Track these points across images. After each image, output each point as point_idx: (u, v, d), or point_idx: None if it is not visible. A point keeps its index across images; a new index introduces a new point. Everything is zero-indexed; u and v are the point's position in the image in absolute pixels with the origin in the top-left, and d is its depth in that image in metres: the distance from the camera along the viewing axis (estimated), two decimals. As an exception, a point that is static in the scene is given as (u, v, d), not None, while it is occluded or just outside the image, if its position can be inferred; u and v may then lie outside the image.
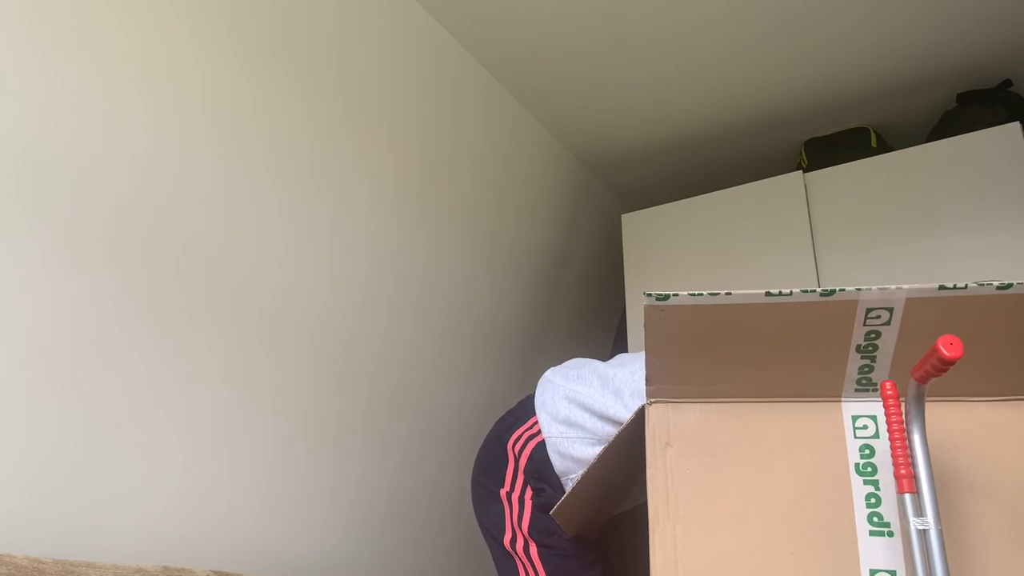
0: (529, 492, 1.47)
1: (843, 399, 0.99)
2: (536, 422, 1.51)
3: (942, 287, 0.86)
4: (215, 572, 1.55)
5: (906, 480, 0.86)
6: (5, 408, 1.39)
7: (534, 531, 1.45)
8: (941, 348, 0.80)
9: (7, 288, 1.42)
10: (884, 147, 2.99)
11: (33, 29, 1.52)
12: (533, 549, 1.45)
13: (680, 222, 3.07)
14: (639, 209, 3.20)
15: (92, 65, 1.62)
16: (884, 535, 0.93)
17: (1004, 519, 0.94)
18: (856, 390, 0.98)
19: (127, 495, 1.56)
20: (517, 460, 1.50)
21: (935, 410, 0.97)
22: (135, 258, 1.64)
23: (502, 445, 1.53)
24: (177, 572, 1.48)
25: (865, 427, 0.97)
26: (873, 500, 0.95)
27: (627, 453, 1.25)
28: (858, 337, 0.93)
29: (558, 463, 1.46)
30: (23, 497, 1.39)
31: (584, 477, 1.30)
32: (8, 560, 1.21)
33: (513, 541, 1.46)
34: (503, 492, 1.49)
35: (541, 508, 1.45)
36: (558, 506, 1.31)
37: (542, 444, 1.48)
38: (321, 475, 2.00)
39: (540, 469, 1.48)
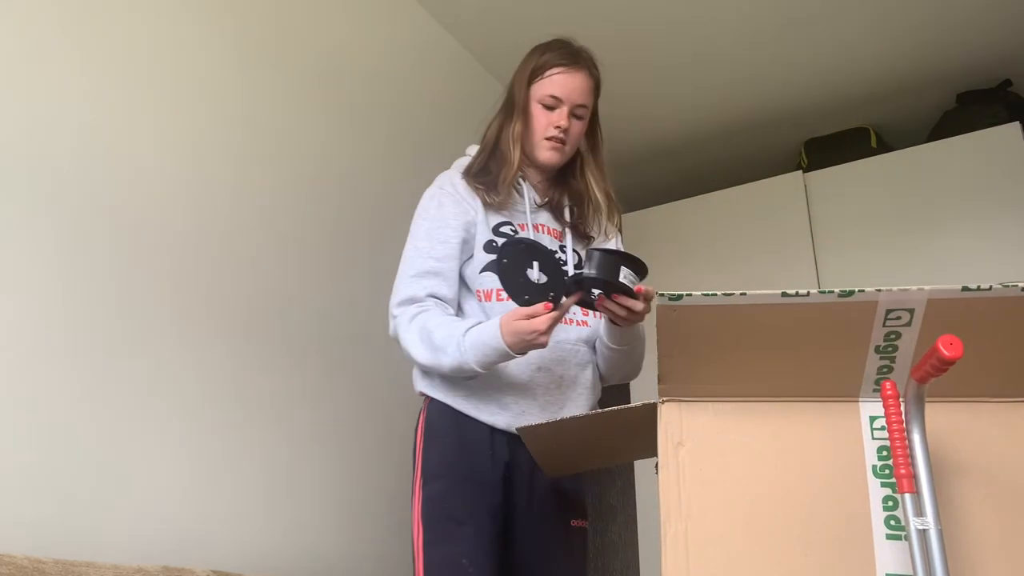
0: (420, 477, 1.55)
1: (860, 399, 0.98)
2: (420, 413, 1.62)
3: (965, 288, 0.85)
4: (215, 572, 1.54)
5: (906, 480, 0.86)
6: (6, 409, 1.38)
7: (426, 511, 1.50)
8: (941, 348, 0.79)
9: (8, 289, 1.41)
10: (884, 147, 2.99)
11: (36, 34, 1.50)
12: (421, 538, 1.48)
13: (680, 222, 3.07)
14: (639, 209, 3.20)
15: (89, 68, 1.61)
16: (901, 539, 0.93)
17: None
18: (874, 390, 0.97)
19: (127, 495, 1.55)
20: (415, 435, 1.59)
21: (955, 411, 0.96)
22: (134, 260, 1.63)
23: (414, 432, 1.61)
24: (177, 572, 1.47)
25: (883, 428, 0.96)
26: (891, 503, 0.94)
27: (624, 429, 1.26)
28: (877, 338, 0.92)
29: (434, 390, 1.58)
30: (24, 497, 1.38)
31: (565, 420, 1.36)
32: (8, 560, 1.20)
33: (415, 532, 1.51)
34: (414, 477, 1.57)
35: (431, 497, 1.51)
36: (530, 426, 1.35)
37: (431, 402, 1.59)
38: (321, 475, 1.99)
39: (435, 419, 1.57)
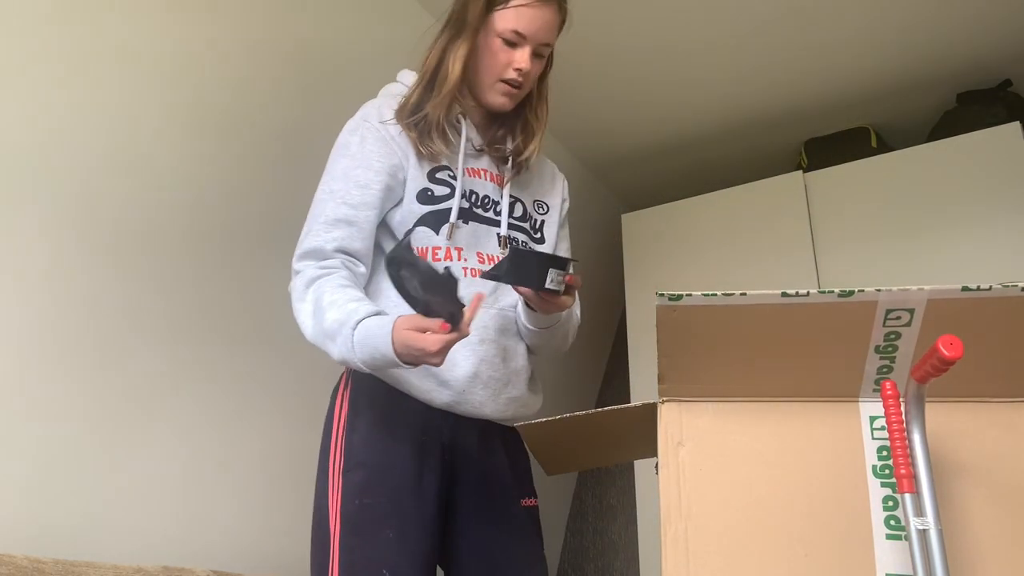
0: (343, 455, 1.36)
1: (860, 399, 0.98)
2: (340, 383, 1.45)
3: (965, 288, 0.85)
4: (215, 572, 1.55)
5: (906, 480, 0.86)
6: (5, 409, 1.38)
7: (346, 505, 1.32)
8: (941, 348, 0.79)
9: (8, 289, 1.41)
10: (884, 147, 2.99)
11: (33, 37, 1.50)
12: (337, 536, 1.31)
13: (680, 222, 3.07)
14: (639, 209, 3.20)
15: (93, 69, 1.61)
16: (901, 539, 0.93)
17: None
18: (874, 390, 0.97)
19: (127, 495, 1.55)
20: (334, 409, 1.42)
21: (955, 411, 0.96)
22: (132, 263, 1.63)
23: (330, 405, 1.44)
24: (177, 572, 1.47)
25: (883, 428, 0.96)
26: (891, 503, 0.94)
27: (624, 429, 1.25)
28: (877, 338, 0.92)
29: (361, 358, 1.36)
30: (23, 497, 1.38)
31: (565, 419, 1.27)
32: (8, 560, 1.20)
33: (331, 528, 1.32)
34: (329, 460, 1.38)
35: (352, 490, 1.33)
36: (528, 424, 1.26)
37: (349, 375, 1.43)
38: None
39: (360, 393, 1.40)
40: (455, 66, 1.41)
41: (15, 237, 1.43)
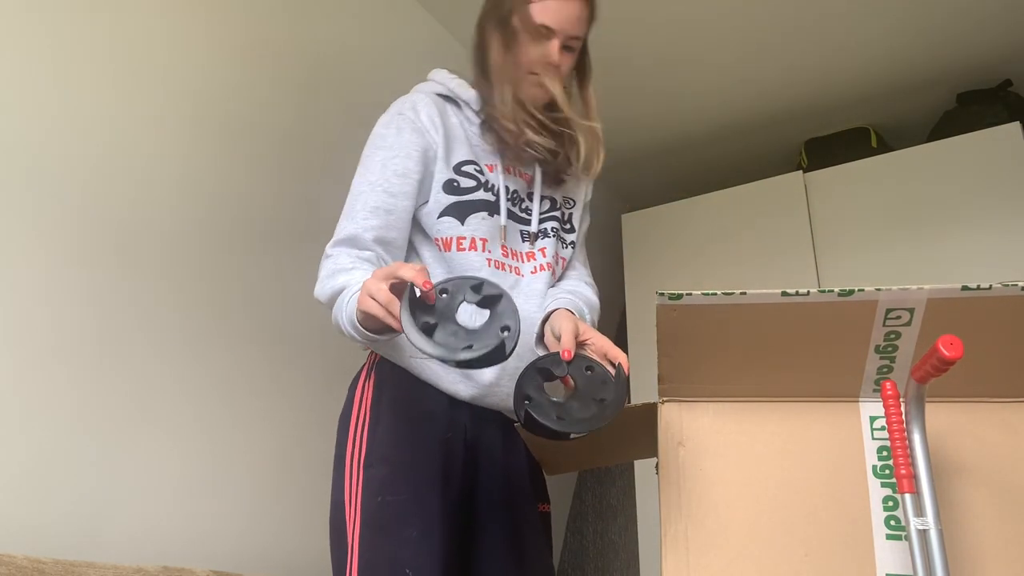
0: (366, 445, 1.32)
1: (861, 399, 0.99)
2: (363, 372, 1.43)
3: (965, 288, 0.85)
4: (215, 572, 1.55)
5: (906, 480, 0.86)
6: (5, 408, 1.37)
7: (366, 501, 1.27)
8: (941, 348, 0.79)
9: (7, 290, 1.41)
10: (884, 147, 3.00)
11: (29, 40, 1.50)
12: (357, 533, 1.26)
13: (680, 222, 3.07)
14: (639, 209, 3.20)
15: (90, 72, 1.61)
16: (902, 539, 0.93)
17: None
18: (874, 390, 0.97)
19: (127, 495, 1.55)
20: (356, 399, 1.39)
21: (955, 411, 0.96)
22: (133, 261, 1.63)
23: (350, 397, 1.41)
24: (177, 572, 1.47)
25: (883, 428, 0.96)
26: (891, 503, 0.94)
27: (624, 429, 1.23)
28: (877, 337, 0.92)
29: (384, 345, 1.37)
30: (23, 497, 1.38)
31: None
32: (8, 560, 1.20)
33: (349, 524, 1.28)
34: (347, 454, 1.34)
35: (374, 486, 1.28)
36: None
37: (379, 361, 1.40)
38: (320, 475, 1.98)
39: (385, 383, 1.37)
40: (496, 58, 1.40)
41: (13, 236, 1.43)
